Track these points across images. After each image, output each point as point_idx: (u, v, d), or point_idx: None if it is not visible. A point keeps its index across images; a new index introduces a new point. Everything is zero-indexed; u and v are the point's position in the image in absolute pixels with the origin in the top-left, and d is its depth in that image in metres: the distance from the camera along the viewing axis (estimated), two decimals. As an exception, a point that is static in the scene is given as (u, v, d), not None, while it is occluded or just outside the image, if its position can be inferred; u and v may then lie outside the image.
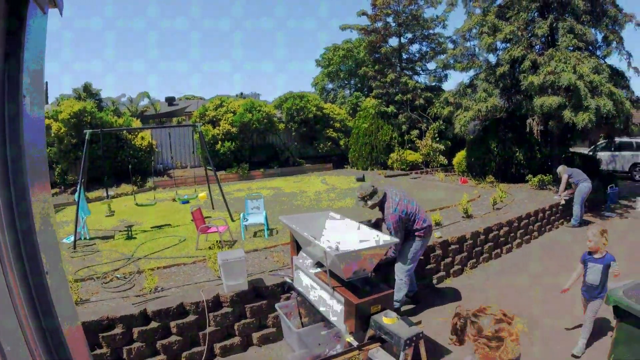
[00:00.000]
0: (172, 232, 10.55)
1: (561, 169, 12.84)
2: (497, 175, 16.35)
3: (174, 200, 14.93)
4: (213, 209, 13.24)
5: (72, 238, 9.71)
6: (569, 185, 12.66)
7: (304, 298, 5.47)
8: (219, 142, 21.58)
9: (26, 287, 1.34)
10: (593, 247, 5.39)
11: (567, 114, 12.95)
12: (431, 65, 25.71)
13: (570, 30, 13.90)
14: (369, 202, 6.20)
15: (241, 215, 10.11)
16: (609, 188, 14.68)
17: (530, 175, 15.54)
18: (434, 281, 8.23)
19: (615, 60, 32.02)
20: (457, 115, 16.45)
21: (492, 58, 16.77)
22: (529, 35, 14.95)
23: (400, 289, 6.42)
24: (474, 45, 16.96)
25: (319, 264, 5.18)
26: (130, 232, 10.38)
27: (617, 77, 14.84)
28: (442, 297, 7.63)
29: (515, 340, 2.41)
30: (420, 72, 25.82)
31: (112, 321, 5.50)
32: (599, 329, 5.89)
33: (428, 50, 25.20)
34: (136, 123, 21.41)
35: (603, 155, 21.68)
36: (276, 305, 5.92)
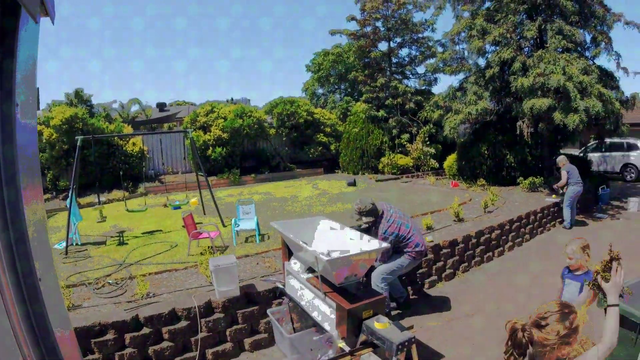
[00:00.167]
0: (164, 238, 10.54)
1: (562, 159, 12.82)
2: (488, 179, 16.37)
3: (165, 205, 14.90)
4: (204, 214, 13.22)
5: (64, 244, 9.71)
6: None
7: (296, 303, 5.48)
8: (210, 148, 21.53)
9: (19, 292, 1.34)
10: (574, 265, 4.91)
11: (557, 115, 13.00)
12: (421, 69, 25.77)
13: (559, 32, 13.96)
14: (364, 219, 6.27)
15: (233, 220, 10.12)
16: (600, 189, 14.77)
17: (521, 178, 15.63)
18: (426, 285, 8.25)
19: (604, 60, 32.29)
20: (447, 119, 16.46)
21: (482, 61, 16.86)
22: (518, 37, 15.01)
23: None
24: (463, 48, 17.06)
25: (310, 270, 5.18)
26: (121, 238, 10.38)
27: (607, 78, 14.88)
28: (434, 302, 7.66)
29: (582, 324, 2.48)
30: (410, 76, 25.83)
31: (104, 327, 5.50)
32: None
33: (417, 54, 25.22)
34: (127, 129, 21.34)
35: (594, 156, 21.77)
36: (268, 311, 5.92)
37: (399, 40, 24.80)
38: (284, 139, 24.70)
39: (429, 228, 9.80)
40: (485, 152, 16.47)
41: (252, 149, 23.94)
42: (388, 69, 24.86)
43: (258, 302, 6.31)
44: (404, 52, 25.61)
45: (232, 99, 40.54)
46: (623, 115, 15.18)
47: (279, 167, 23.90)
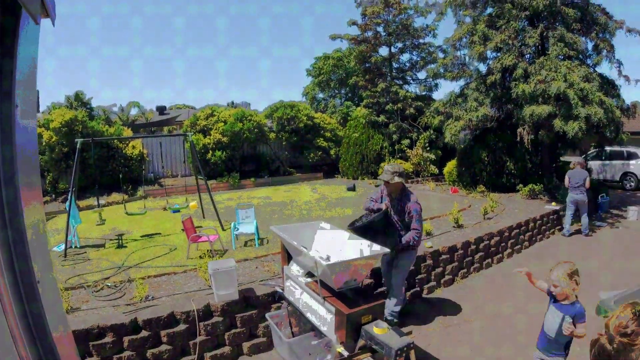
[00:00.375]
0: (163, 241, 10.52)
1: (572, 162, 12.82)
2: (488, 185, 16.39)
3: (164, 209, 14.87)
4: (204, 217, 13.23)
5: (63, 246, 9.69)
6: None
7: (295, 308, 5.47)
8: (210, 152, 21.58)
9: (17, 293, 1.34)
10: (560, 294, 4.18)
11: (557, 123, 13.03)
12: (422, 75, 25.78)
13: (561, 39, 13.98)
14: (397, 179, 6.11)
15: (232, 224, 10.11)
16: (599, 197, 14.76)
17: (521, 185, 15.66)
18: (425, 291, 8.25)
19: (605, 68, 32.30)
20: (447, 125, 16.50)
21: (483, 67, 16.89)
22: (520, 44, 15.02)
23: (399, 303, 6.40)
24: (464, 54, 17.04)
25: (309, 274, 5.18)
26: (120, 241, 10.35)
27: (608, 86, 14.90)
28: (433, 308, 7.65)
29: None
30: (411, 81, 25.81)
31: (103, 330, 5.48)
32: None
33: (418, 59, 25.22)
34: (127, 132, 21.33)
35: (594, 164, 21.79)
36: (267, 315, 5.91)
37: (400, 45, 24.83)
38: (283, 143, 24.75)
39: (429, 234, 9.78)
40: (485, 158, 16.48)
41: (252, 153, 23.99)
42: (389, 74, 24.87)
43: (257, 306, 6.29)
44: (404, 57, 25.72)
45: (232, 102, 40.64)
46: (624, 124, 15.18)
47: (279, 171, 23.94)
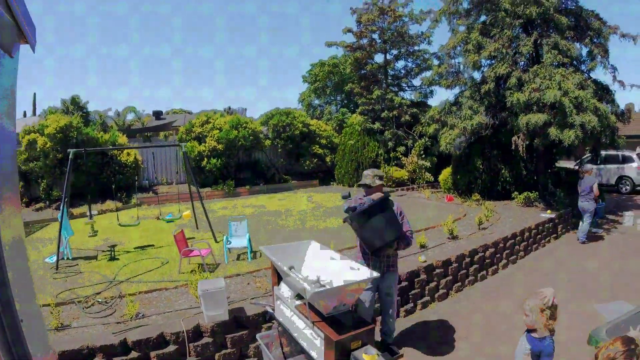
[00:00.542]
0: (156, 253, 10.50)
1: (586, 170, 12.87)
2: (483, 193, 16.38)
3: (158, 218, 14.84)
4: (197, 228, 13.18)
5: (55, 258, 9.67)
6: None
7: (285, 329, 5.45)
8: (205, 159, 21.57)
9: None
10: (528, 324, 4.04)
11: (552, 131, 13.01)
12: (417, 82, 25.81)
13: (555, 47, 13.95)
14: (377, 181, 6.02)
15: (224, 237, 10.07)
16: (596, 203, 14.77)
17: (516, 193, 15.63)
18: (419, 307, 8.17)
19: (600, 74, 32.22)
20: (442, 133, 16.51)
21: (477, 75, 16.90)
22: (514, 52, 14.99)
23: (394, 321, 6.36)
24: (458, 62, 17.03)
25: (299, 296, 5.16)
26: (113, 253, 10.34)
27: (602, 92, 14.93)
28: (427, 324, 7.59)
29: None
30: (406, 88, 25.87)
31: (92, 350, 5.43)
32: None
33: (413, 66, 25.30)
34: (122, 139, 21.33)
35: (589, 168, 21.76)
36: (257, 336, 5.86)
37: (395, 52, 24.87)
38: (279, 150, 24.79)
39: (423, 246, 9.73)
40: (480, 166, 16.49)
41: (247, 160, 23.99)
42: (384, 81, 24.89)
43: (247, 326, 6.23)
44: (400, 64, 25.73)
45: (229, 108, 40.66)
46: (619, 129, 15.19)
47: (274, 178, 23.92)
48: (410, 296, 8.10)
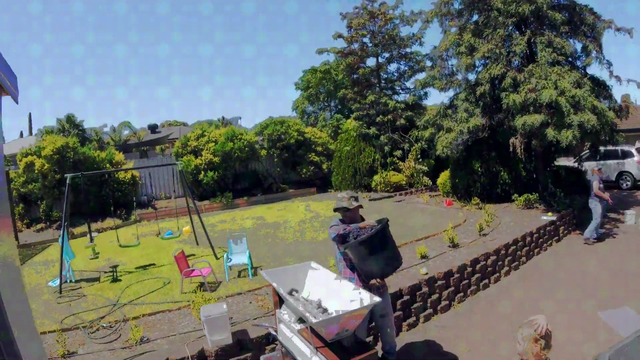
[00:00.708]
0: (157, 273, 10.58)
1: (592, 168, 12.87)
2: (483, 196, 16.25)
3: (158, 235, 14.86)
4: (197, 244, 13.22)
5: (58, 281, 9.77)
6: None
7: (288, 352, 5.50)
8: (202, 172, 21.64)
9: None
10: (521, 353, 3.83)
11: (550, 132, 12.87)
12: (410, 84, 25.69)
13: (549, 44, 13.78)
14: (354, 203, 5.80)
15: (225, 255, 10.11)
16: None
17: (516, 195, 15.54)
18: (421, 320, 8.04)
19: (596, 69, 31.92)
20: (439, 137, 16.37)
21: (472, 76, 16.69)
22: (507, 52, 14.87)
23: (393, 339, 6.37)
24: (452, 64, 16.85)
25: (301, 320, 5.21)
26: (115, 274, 10.41)
27: (599, 88, 14.79)
28: (429, 338, 7.47)
29: None
30: (400, 91, 25.72)
31: (100, 380, 5.51)
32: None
33: (406, 69, 25.23)
34: (119, 156, 21.41)
35: (588, 165, 21.53)
36: (261, 358, 5.92)
37: (387, 55, 24.76)
38: (275, 159, 24.79)
39: (424, 257, 9.65)
40: (479, 169, 16.37)
41: (244, 171, 24.02)
42: (377, 84, 24.86)
43: (251, 348, 6.21)
44: (392, 67, 25.60)
45: (223, 118, 40.71)
46: (617, 124, 15.10)
47: (272, 188, 23.92)
48: (413, 310, 7.97)
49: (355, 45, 24.16)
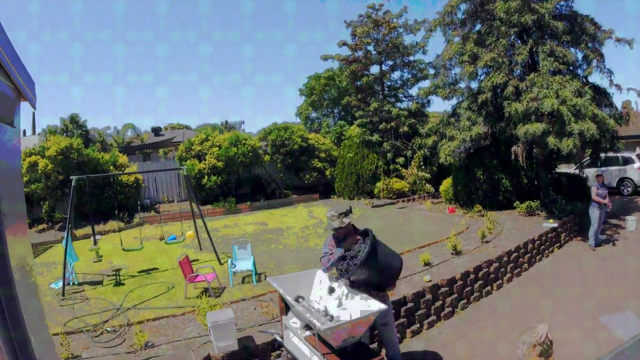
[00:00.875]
0: (161, 277, 10.55)
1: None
2: (485, 203, 16.33)
3: (161, 239, 14.83)
4: (201, 249, 13.22)
5: (61, 283, 9.74)
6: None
7: (294, 358, 5.49)
8: (206, 177, 21.65)
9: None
10: (520, 358, 4.14)
11: (551, 140, 12.96)
12: (414, 91, 25.89)
13: (551, 54, 13.92)
14: (345, 220, 5.62)
15: (229, 261, 10.14)
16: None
17: (517, 202, 15.63)
18: (425, 327, 8.12)
19: (597, 78, 31.83)
20: (442, 145, 16.48)
21: (475, 84, 16.81)
22: (510, 61, 14.98)
23: (397, 346, 6.34)
24: (455, 73, 16.99)
25: (308, 326, 5.21)
26: (118, 278, 10.38)
27: (600, 96, 14.88)
28: (433, 345, 7.53)
29: None
30: (403, 98, 25.88)
31: (103, 386, 5.50)
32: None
33: (409, 77, 25.38)
34: (122, 158, 21.43)
35: (589, 171, 21.47)
36: (267, 363, 5.95)
37: (390, 63, 24.93)
38: (278, 165, 24.81)
39: (427, 264, 9.70)
40: (481, 176, 16.46)
41: (248, 176, 24.06)
42: (381, 92, 24.96)
43: (257, 355, 6.22)
44: (396, 74, 25.75)
45: (226, 122, 40.76)
46: (618, 132, 15.15)
47: (275, 193, 23.94)
48: (417, 317, 8.04)
49: (360, 53, 24.27)
